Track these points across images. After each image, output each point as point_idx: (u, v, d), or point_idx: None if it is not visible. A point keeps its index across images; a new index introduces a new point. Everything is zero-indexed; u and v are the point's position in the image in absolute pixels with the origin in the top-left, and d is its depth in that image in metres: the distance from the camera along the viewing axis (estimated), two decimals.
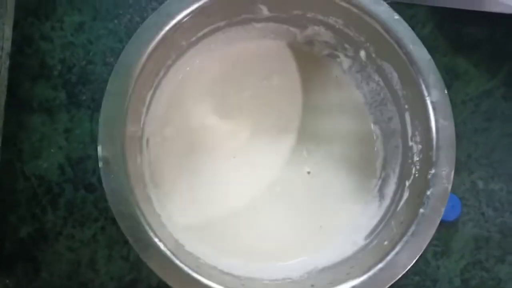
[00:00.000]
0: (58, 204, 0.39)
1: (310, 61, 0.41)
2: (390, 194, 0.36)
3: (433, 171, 0.31)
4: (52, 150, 0.40)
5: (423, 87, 0.32)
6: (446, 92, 0.32)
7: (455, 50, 0.46)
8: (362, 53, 0.37)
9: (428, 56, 0.32)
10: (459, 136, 0.44)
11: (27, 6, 0.42)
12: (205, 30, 0.35)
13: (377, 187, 0.38)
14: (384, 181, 0.38)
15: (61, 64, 0.41)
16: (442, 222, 0.42)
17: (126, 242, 0.39)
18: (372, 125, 0.40)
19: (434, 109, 0.31)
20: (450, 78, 0.46)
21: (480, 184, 0.44)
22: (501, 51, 0.47)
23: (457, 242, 0.43)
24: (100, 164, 0.27)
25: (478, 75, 0.46)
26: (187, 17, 0.31)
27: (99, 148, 0.27)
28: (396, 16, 0.32)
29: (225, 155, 0.38)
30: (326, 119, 0.41)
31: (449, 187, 0.30)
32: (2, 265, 0.38)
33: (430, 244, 0.43)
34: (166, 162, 0.37)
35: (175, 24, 0.30)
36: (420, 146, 0.33)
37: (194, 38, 0.35)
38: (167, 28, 0.30)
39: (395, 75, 0.34)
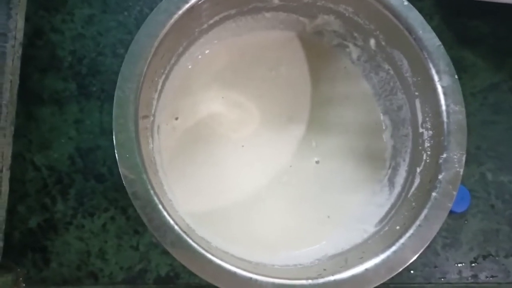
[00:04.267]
0: (68, 194, 0.39)
1: (319, 52, 0.41)
2: (401, 182, 0.36)
3: (444, 155, 0.31)
4: (62, 141, 0.40)
5: (434, 72, 0.32)
6: (456, 77, 0.32)
7: (461, 43, 0.47)
8: (372, 42, 0.37)
9: (438, 42, 0.32)
10: (467, 128, 0.45)
11: None
12: (216, 18, 0.35)
13: (387, 177, 0.38)
14: (394, 170, 0.38)
15: (71, 56, 0.42)
16: (451, 214, 0.42)
17: (135, 232, 0.40)
18: (381, 116, 0.40)
19: (445, 94, 0.32)
20: (457, 70, 0.45)
21: (489, 176, 0.44)
22: (506, 44, 0.47)
23: (467, 234, 0.43)
24: (115, 144, 0.27)
25: (485, 68, 0.47)
26: (199, 2, 0.31)
27: (114, 129, 0.28)
28: (406, 2, 0.33)
29: (234, 144, 0.39)
30: (335, 110, 0.41)
31: (461, 171, 0.30)
32: (12, 255, 0.38)
33: (439, 235, 0.43)
34: (176, 150, 0.37)
35: (187, 9, 0.30)
36: (431, 132, 0.33)
37: (205, 26, 0.35)
38: (179, 12, 0.30)
39: (405, 62, 0.35)
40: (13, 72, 0.36)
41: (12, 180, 0.39)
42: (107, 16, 0.43)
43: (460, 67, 0.46)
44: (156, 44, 0.30)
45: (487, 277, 0.42)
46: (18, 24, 0.37)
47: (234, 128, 0.39)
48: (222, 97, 0.39)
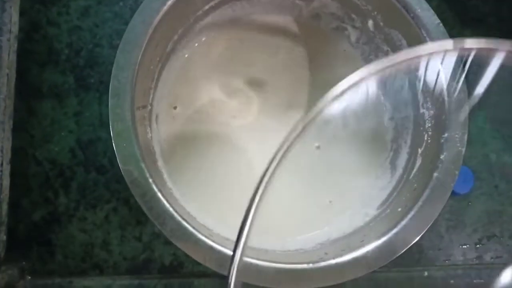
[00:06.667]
0: (70, 187, 0.39)
1: (317, 36, 0.41)
2: (402, 164, 0.36)
3: (446, 135, 0.30)
4: (62, 134, 0.40)
5: None
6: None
7: (462, 23, 0.46)
8: (370, 23, 0.36)
9: (437, 20, 0.32)
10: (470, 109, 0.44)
11: None
12: (211, 3, 0.35)
13: (388, 160, 0.38)
14: (396, 153, 0.37)
15: (68, 48, 0.42)
16: (454, 196, 0.42)
17: (138, 222, 0.40)
18: (382, 98, 0.40)
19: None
20: None
21: (493, 157, 0.44)
22: (508, 25, 0.46)
23: (470, 215, 0.42)
24: (112, 134, 0.27)
25: None
26: None
27: (110, 119, 0.27)
28: None
29: (234, 131, 0.38)
30: None
31: (463, 150, 0.30)
32: (18, 249, 0.38)
33: (443, 217, 0.43)
34: (175, 139, 0.37)
35: None
36: (432, 112, 0.32)
37: (200, 12, 0.35)
38: None
39: (404, 42, 0.34)
40: (9, 66, 0.36)
41: (15, 175, 0.39)
42: (103, 7, 0.42)
43: None
44: (150, 31, 0.29)
45: (492, 258, 0.42)
46: (12, 17, 0.36)
47: (234, 115, 0.39)
48: (221, 85, 0.39)
